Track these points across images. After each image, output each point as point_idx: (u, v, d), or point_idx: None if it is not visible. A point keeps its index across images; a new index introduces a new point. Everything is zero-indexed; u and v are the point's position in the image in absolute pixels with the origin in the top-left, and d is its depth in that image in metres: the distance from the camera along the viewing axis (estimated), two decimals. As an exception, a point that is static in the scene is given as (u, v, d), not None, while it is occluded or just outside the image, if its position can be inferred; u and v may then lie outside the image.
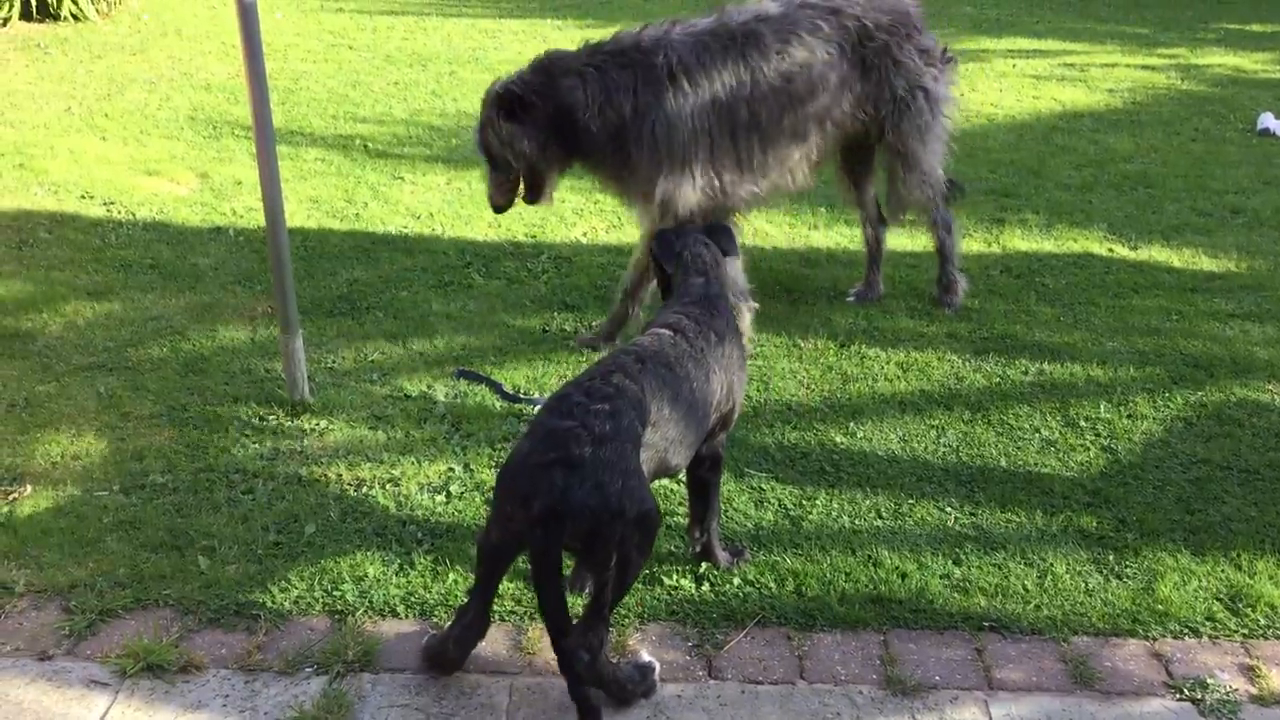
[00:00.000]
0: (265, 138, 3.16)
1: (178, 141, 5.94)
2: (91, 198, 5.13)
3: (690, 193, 3.54)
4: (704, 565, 2.69)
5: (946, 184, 4.16)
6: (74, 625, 2.45)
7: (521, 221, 5.05)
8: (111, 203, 5.07)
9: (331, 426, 3.32)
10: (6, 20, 8.34)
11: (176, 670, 2.33)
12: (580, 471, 2.03)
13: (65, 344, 3.76)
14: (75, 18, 8.49)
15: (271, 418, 3.35)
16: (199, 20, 9.06)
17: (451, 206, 5.24)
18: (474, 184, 5.66)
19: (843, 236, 4.94)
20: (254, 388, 3.53)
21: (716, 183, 3.60)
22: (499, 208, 3.77)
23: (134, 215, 4.97)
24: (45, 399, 3.41)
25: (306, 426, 3.31)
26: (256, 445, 3.21)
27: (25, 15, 8.43)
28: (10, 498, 2.90)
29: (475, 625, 2.29)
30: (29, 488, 2.95)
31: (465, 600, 2.33)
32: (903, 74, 3.83)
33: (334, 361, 3.73)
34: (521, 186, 3.70)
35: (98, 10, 8.69)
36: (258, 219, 4.95)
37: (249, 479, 3.04)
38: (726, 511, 2.92)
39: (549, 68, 3.54)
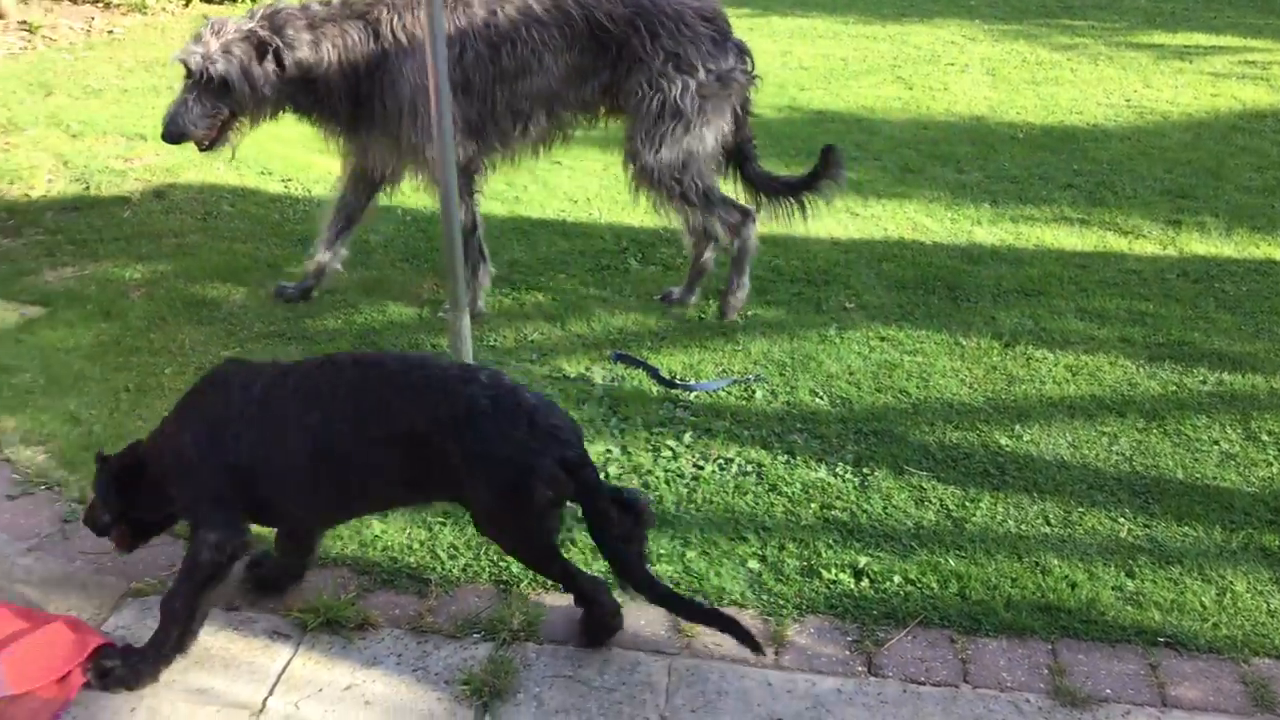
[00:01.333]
0: (442, 123, 3.25)
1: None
2: (270, 174, 5.37)
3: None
4: (864, 561, 2.67)
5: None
6: (261, 580, 2.58)
7: (678, 209, 5.08)
8: (289, 179, 5.30)
9: (494, 403, 3.40)
10: (188, 1, 8.77)
11: (353, 627, 2.43)
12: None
13: (248, 312, 3.95)
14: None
15: (437, 391, 3.46)
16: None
17: (608, 191, 5.30)
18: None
19: (1007, 233, 4.81)
20: (421, 361, 3.65)
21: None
22: (171, 139, 3.61)
23: (309, 192, 5.19)
24: (230, 363, 3.60)
25: (471, 402, 3.40)
26: (423, 417, 3.32)
27: (206, -4, 8.87)
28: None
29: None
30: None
31: None
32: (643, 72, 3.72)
33: (495, 340, 3.83)
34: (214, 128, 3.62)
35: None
36: (424, 200, 5.09)
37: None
38: (884, 508, 2.89)
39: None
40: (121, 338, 3.73)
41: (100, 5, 8.72)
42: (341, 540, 2.72)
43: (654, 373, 3.60)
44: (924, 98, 7.04)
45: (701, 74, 3.71)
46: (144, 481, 2.35)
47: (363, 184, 4.02)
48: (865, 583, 2.61)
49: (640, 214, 5.02)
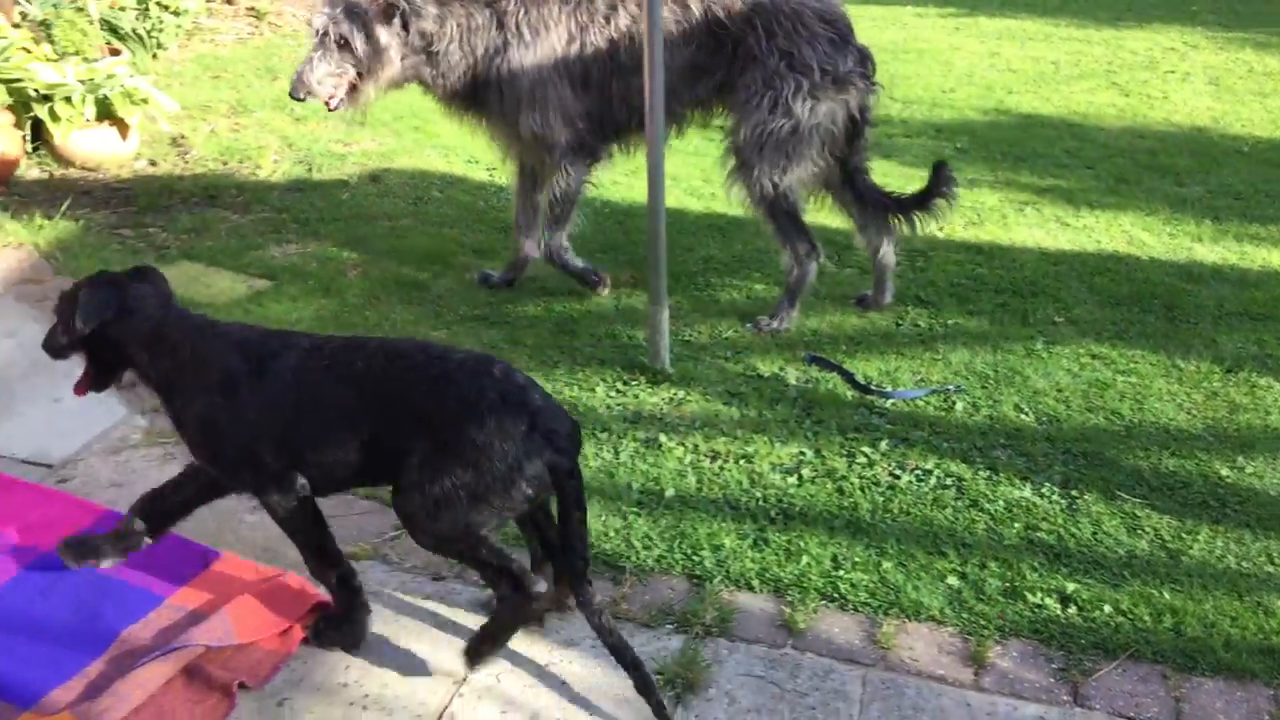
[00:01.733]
0: (655, 118, 3.30)
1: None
2: (476, 163, 5.55)
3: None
4: (1071, 587, 2.57)
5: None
6: (462, 553, 2.68)
7: (876, 212, 5.01)
8: (493, 169, 5.46)
9: (689, 398, 3.43)
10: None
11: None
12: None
13: (454, 296, 4.10)
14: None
15: (634, 383, 3.51)
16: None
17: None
18: (828, 171, 5.64)
19: (1230, 252, 4.53)
20: (617, 352, 3.71)
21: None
22: (300, 96, 3.68)
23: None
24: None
25: (665, 395, 3.44)
26: (620, 407, 3.37)
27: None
28: (408, 429, 3.21)
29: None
30: (424, 422, 3.25)
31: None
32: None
33: (690, 335, 3.85)
34: (340, 88, 3.71)
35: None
36: (622, 192, 5.19)
37: (614, 438, 3.19)
38: (1094, 533, 2.77)
39: None
40: (340, 313, 3.92)
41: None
42: (540, 522, 2.80)
43: (849, 377, 3.55)
44: (1141, 105, 6.71)
45: (816, 75, 3.65)
46: (134, 331, 2.35)
47: (525, 172, 4.12)
48: (1073, 609, 2.51)
49: (836, 216, 4.97)
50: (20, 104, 4.98)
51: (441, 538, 2.23)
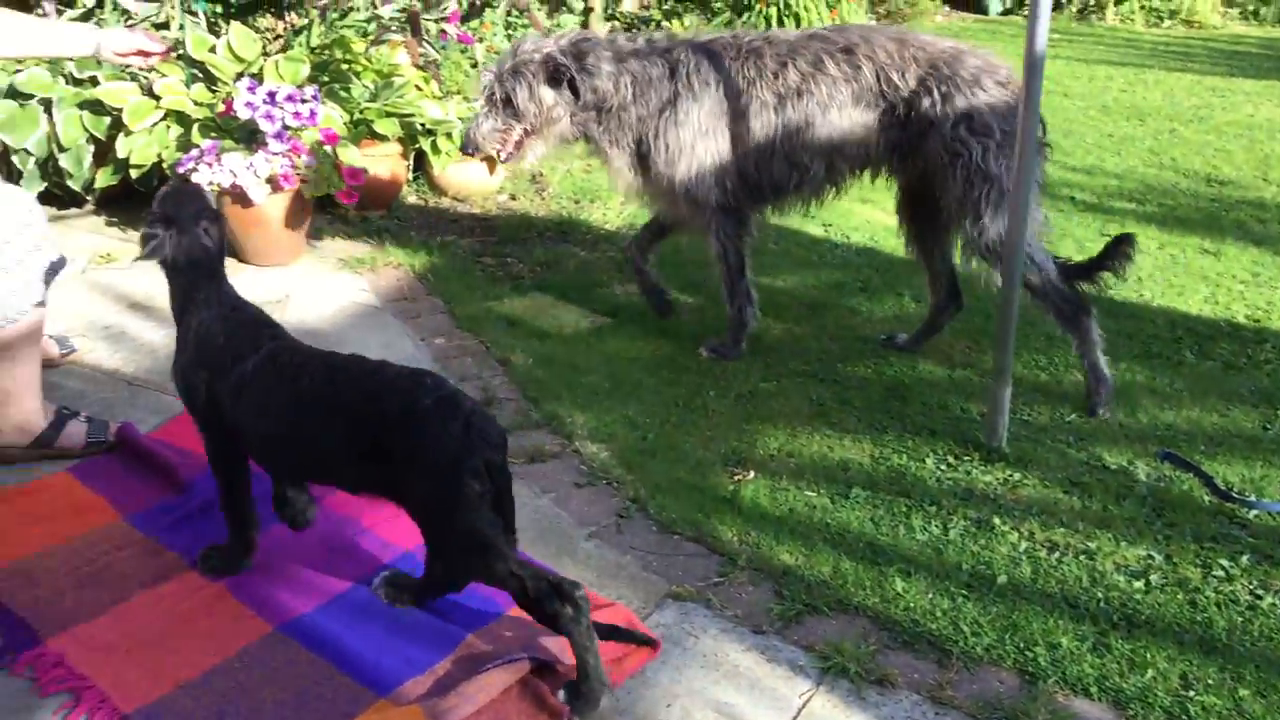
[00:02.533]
0: (1021, 186, 3.20)
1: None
2: (812, 217, 5.58)
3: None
4: None
5: None
6: (784, 610, 2.68)
7: (1243, 302, 4.62)
8: (829, 225, 5.49)
9: (1025, 481, 3.29)
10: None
11: (871, 681, 2.45)
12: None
13: (785, 349, 4.15)
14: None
15: (967, 459, 3.40)
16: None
17: (1163, 273, 4.94)
18: (1188, 252, 5.27)
19: None
20: (950, 425, 3.61)
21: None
22: (471, 150, 3.84)
23: (848, 238, 5.35)
24: (767, 395, 3.79)
25: (1000, 475, 3.31)
26: (950, 482, 3.28)
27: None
28: (736, 479, 3.27)
29: None
30: (751, 473, 3.29)
31: None
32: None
33: (1030, 415, 3.69)
34: (507, 142, 3.79)
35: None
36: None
37: (943, 514, 3.11)
38: None
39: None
40: (675, 355, 4.06)
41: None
42: (864, 591, 2.76)
43: (1208, 480, 3.28)
44: None
45: (998, 135, 3.52)
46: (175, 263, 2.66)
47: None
48: None
49: (1199, 302, 4.63)
50: (408, 136, 5.51)
51: (458, 562, 2.43)
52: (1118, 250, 3.73)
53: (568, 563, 2.84)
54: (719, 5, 9.38)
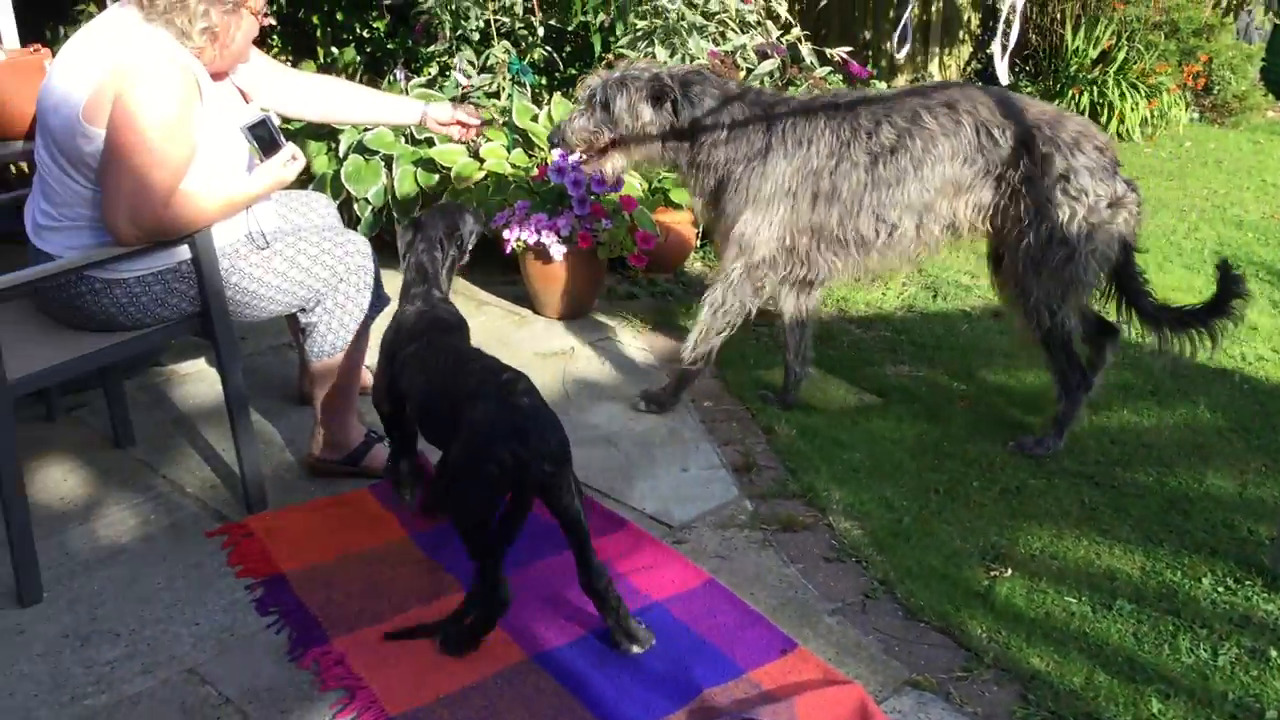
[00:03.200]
0: None
1: (1198, 274, 5.92)
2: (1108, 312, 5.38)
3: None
4: None
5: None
6: (1028, 714, 2.62)
7: None
8: (1125, 321, 5.25)
9: (1315, 616, 3.04)
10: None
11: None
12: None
13: (1063, 448, 4.02)
14: (1120, 137, 8.94)
15: (1247, 582, 3.18)
16: (1241, 154, 8.90)
17: None
18: None
19: None
20: (1233, 545, 3.39)
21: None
22: (554, 140, 3.90)
23: (1144, 337, 5.09)
24: (1035, 493, 3.69)
25: (1284, 606, 3.08)
26: (1226, 605, 3.08)
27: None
28: (991, 574, 3.21)
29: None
30: (1009, 570, 3.23)
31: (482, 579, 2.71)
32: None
33: (1330, 545, 3.40)
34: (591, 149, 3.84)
35: (1143, 133, 9.04)
36: (1267, 369, 4.73)
37: (1214, 638, 2.93)
38: None
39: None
40: (940, 442, 4.03)
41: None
42: (1117, 706, 2.66)
43: None
44: None
45: (1091, 198, 3.59)
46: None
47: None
48: None
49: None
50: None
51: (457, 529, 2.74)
52: (1229, 284, 3.71)
53: (808, 634, 2.90)
54: (1028, 91, 9.20)
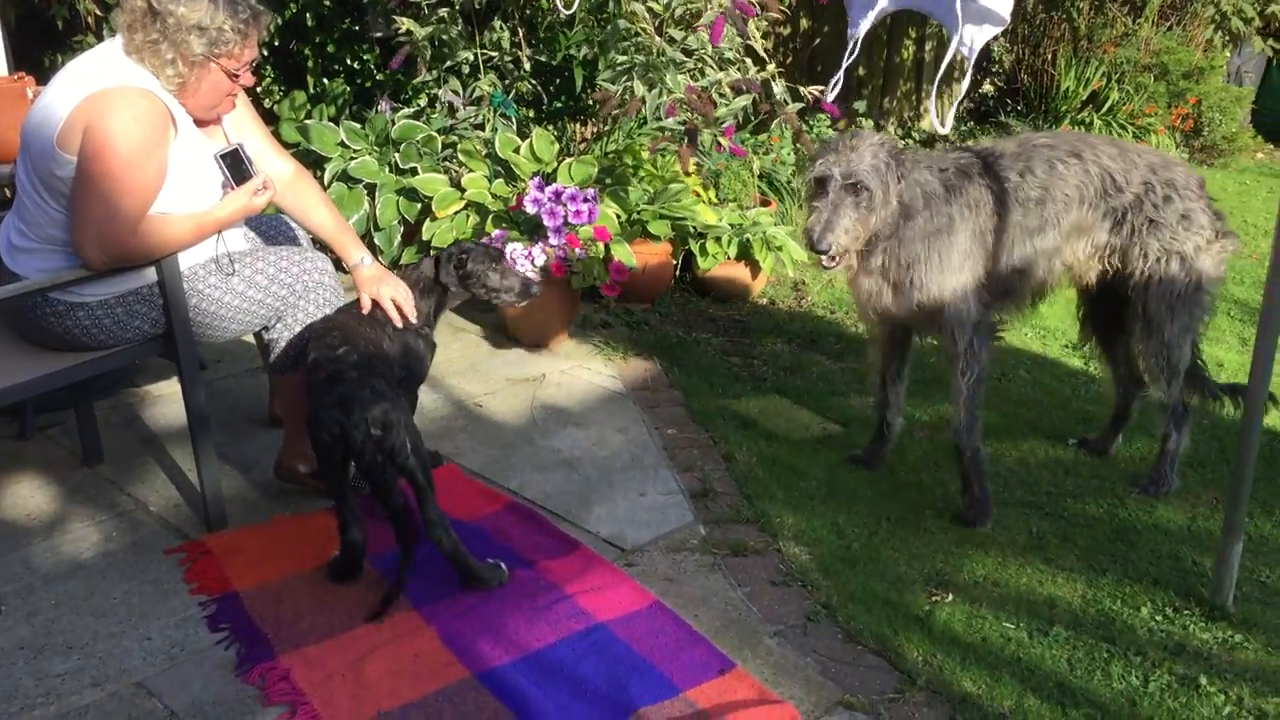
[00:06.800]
0: (1270, 326, 3.07)
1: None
2: (1072, 349, 5.46)
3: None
4: None
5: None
6: (953, 735, 2.68)
7: None
8: (1089, 359, 5.33)
9: (1245, 644, 3.09)
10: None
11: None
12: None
13: (1014, 476, 4.08)
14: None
15: (1186, 612, 3.24)
16: (1225, 194, 8.98)
17: None
18: None
19: None
20: (1177, 576, 3.44)
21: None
22: (826, 247, 3.42)
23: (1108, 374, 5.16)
24: (983, 521, 3.76)
25: (1219, 635, 3.13)
26: (1163, 634, 3.14)
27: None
28: (933, 599, 3.27)
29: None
30: (951, 596, 3.29)
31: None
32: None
33: (1268, 577, 3.46)
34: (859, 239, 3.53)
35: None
36: (1227, 405, 4.79)
37: (1147, 665, 2.98)
38: None
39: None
40: (897, 471, 4.10)
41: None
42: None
43: None
44: None
45: (1209, 233, 3.75)
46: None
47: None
48: None
49: None
50: (679, 238, 5.87)
51: None
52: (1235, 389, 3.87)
53: (748, 655, 2.96)
54: (1018, 129, 9.32)
